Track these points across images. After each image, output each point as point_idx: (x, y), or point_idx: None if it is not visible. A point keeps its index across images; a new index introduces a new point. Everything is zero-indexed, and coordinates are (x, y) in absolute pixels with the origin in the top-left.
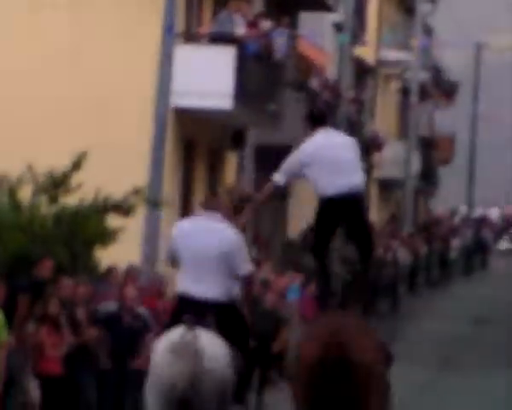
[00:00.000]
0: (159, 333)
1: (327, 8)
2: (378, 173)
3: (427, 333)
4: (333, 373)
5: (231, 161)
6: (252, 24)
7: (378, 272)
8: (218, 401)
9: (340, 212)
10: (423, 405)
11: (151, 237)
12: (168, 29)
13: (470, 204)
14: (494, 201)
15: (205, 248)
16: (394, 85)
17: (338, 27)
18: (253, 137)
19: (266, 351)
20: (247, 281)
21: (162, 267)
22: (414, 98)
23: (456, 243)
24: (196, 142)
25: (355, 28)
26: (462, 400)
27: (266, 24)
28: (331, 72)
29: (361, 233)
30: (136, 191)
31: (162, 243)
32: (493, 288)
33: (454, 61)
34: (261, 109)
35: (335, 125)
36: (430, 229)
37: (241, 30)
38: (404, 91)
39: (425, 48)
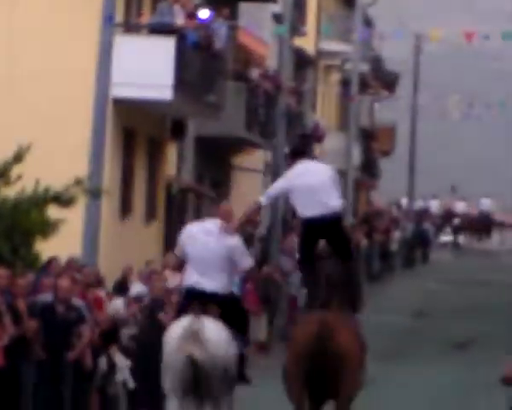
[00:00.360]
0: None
1: None
2: None
3: (369, 326)
4: (317, 357)
5: (171, 152)
6: (191, 15)
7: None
8: (222, 378)
9: (318, 230)
10: (366, 398)
11: (92, 228)
12: (107, 19)
13: (411, 196)
14: (436, 193)
15: (209, 248)
16: (334, 77)
17: (277, 18)
18: (193, 127)
19: None
20: (250, 272)
21: (102, 258)
22: (354, 89)
23: (396, 235)
24: (136, 132)
25: (295, 19)
26: (405, 391)
27: (205, 12)
28: (271, 63)
29: (338, 245)
30: (77, 182)
31: (103, 234)
32: (434, 281)
33: (394, 53)
34: (201, 100)
35: (275, 117)
36: (371, 221)
37: (180, 21)
38: (345, 83)
39: (365, 39)
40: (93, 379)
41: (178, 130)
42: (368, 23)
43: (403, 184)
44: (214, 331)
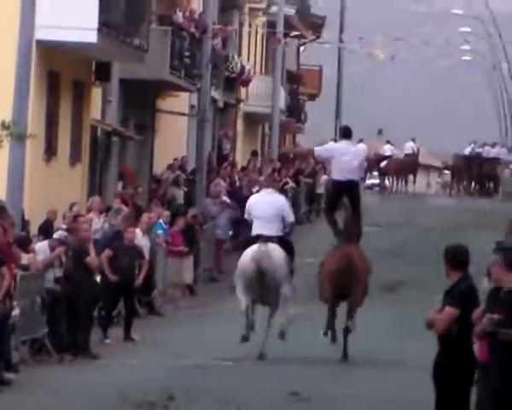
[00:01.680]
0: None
1: None
2: (245, 108)
3: (297, 269)
4: (343, 273)
5: (96, 95)
6: None
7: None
8: (280, 278)
9: (341, 189)
10: (294, 338)
11: (16, 172)
12: None
13: (338, 140)
14: (362, 136)
15: (267, 208)
16: (260, 20)
17: None
18: (118, 70)
19: (130, 285)
20: (293, 223)
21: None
22: (280, 33)
23: (323, 178)
24: (61, 75)
25: None
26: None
27: None
28: (196, 5)
29: (354, 201)
30: (3, 126)
31: (28, 177)
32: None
33: None
34: (126, 43)
35: (200, 60)
36: (298, 164)
37: None
38: (270, 26)
39: None
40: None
41: (103, 73)
42: None
43: (329, 128)
44: (274, 249)
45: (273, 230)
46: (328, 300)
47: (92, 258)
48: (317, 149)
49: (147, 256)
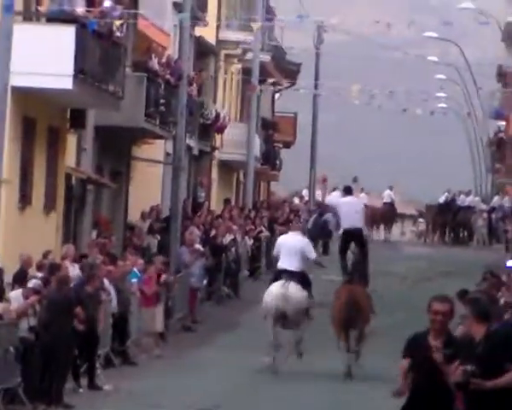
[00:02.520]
0: None
1: None
2: (219, 155)
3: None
4: (350, 311)
5: (71, 141)
6: (91, 2)
7: (218, 258)
8: (298, 313)
9: (351, 235)
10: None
11: None
12: (7, 8)
13: (312, 187)
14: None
15: (292, 247)
16: (235, 66)
17: (178, 7)
18: (93, 117)
19: (93, 333)
20: (315, 259)
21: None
22: (255, 80)
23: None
24: (36, 121)
25: (195, 8)
26: (306, 384)
27: (106, 3)
28: (172, 52)
29: (361, 245)
30: None
31: (2, 225)
32: (334, 273)
33: (296, 42)
34: (101, 89)
35: (175, 107)
36: (272, 212)
37: (80, 8)
38: (246, 73)
39: (266, 29)
40: None
41: (78, 120)
42: (269, 13)
43: (304, 175)
44: (294, 287)
45: (294, 266)
46: (338, 331)
47: (79, 308)
48: (328, 200)
49: (114, 303)
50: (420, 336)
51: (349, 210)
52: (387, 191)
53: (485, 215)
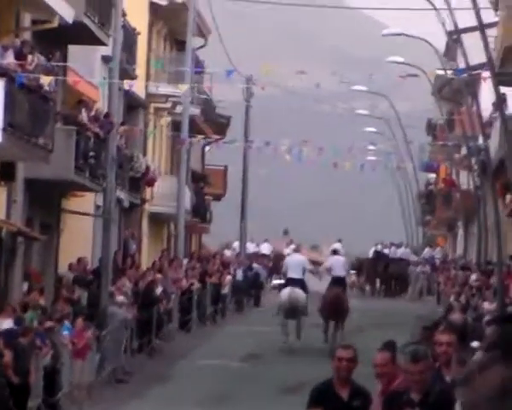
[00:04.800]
0: None
1: (97, 42)
2: (150, 208)
3: (200, 371)
4: (334, 305)
5: (0, 195)
6: (20, 55)
7: (149, 310)
8: (302, 309)
9: (338, 280)
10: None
11: None
12: None
13: (242, 240)
14: (268, 237)
15: (297, 263)
16: (165, 120)
17: (107, 60)
18: (23, 170)
19: (26, 383)
20: (309, 269)
21: None
22: (185, 133)
23: (228, 278)
24: None
25: (124, 61)
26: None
27: (36, 57)
28: (101, 105)
29: (343, 286)
30: None
31: None
32: (266, 324)
33: (225, 96)
34: (31, 143)
35: (106, 159)
36: (203, 265)
37: (9, 61)
38: (176, 126)
39: (196, 82)
40: None
41: (8, 173)
42: (199, 65)
43: (235, 228)
44: (299, 292)
45: (299, 275)
46: (325, 320)
47: (7, 359)
48: (326, 266)
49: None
50: (325, 385)
51: (338, 264)
52: (337, 244)
53: (423, 267)
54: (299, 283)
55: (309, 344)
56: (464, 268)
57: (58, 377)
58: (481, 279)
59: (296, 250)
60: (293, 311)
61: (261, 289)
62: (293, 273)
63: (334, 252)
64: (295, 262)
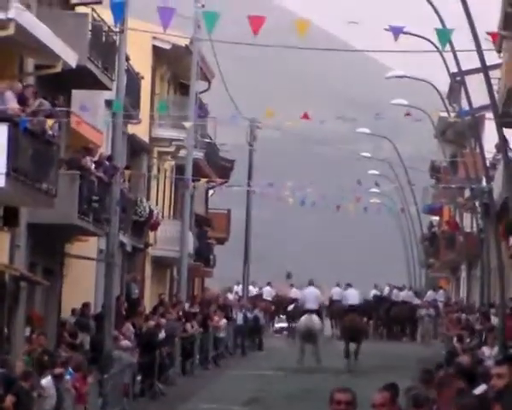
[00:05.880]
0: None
1: (100, 87)
2: (153, 252)
3: None
4: (352, 327)
5: (4, 240)
6: (23, 100)
7: (152, 354)
8: (317, 334)
9: (353, 308)
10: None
11: None
12: None
13: (245, 282)
14: (271, 280)
15: (312, 295)
16: (169, 164)
17: (110, 105)
18: (26, 215)
19: None
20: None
21: None
22: (188, 177)
23: (223, 322)
24: None
25: (128, 106)
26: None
27: (39, 102)
28: (105, 150)
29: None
30: None
31: None
32: (269, 368)
33: (229, 139)
34: (34, 188)
35: (109, 203)
36: (203, 309)
37: (13, 106)
38: (179, 170)
39: (199, 126)
40: None
41: (11, 217)
42: (202, 110)
43: (237, 271)
44: (316, 319)
45: (315, 306)
46: (345, 342)
47: (8, 403)
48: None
49: (52, 402)
50: None
51: (311, 299)
52: (337, 288)
53: (427, 310)
54: (316, 313)
55: (311, 389)
56: (464, 311)
57: None
58: (482, 322)
59: (310, 284)
60: (309, 335)
61: (261, 332)
62: (311, 304)
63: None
64: (312, 295)
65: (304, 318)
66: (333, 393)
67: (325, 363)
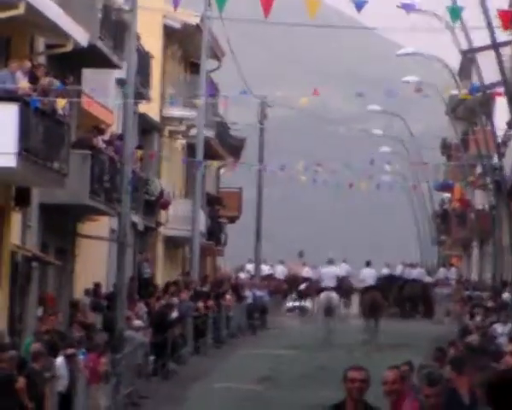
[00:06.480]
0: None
1: (111, 66)
2: (165, 231)
3: (215, 393)
4: (372, 304)
5: (16, 220)
6: (34, 80)
7: (164, 333)
8: (336, 309)
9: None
10: None
11: None
12: None
13: (257, 261)
14: (283, 258)
15: (331, 275)
16: (180, 143)
17: (122, 84)
18: (38, 195)
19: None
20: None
21: None
22: (199, 155)
23: (228, 299)
24: None
25: (139, 85)
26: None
27: (48, 79)
28: (116, 129)
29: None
30: None
31: None
32: (281, 346)
33: (240, 118)
34: (45, 167)
35: (121, 183)
36: (217, 287)
37: (24, 85)
38: (190, 149)
39: (210, 104)
40: None
41: (23, 198)
42: (213, 88)
43: (249, 250)
44: (335, 295)
45: (332, 283)
46: (365, 318)
47: (21, 385)
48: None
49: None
50: (337, 407)
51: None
52: (342, 264)
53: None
54: (334, 289)
55: (324, 367)
56: (476, 288)
57: (71, 404)
58: (494, 299)
59: (330, 262)
60: (329, 310)
61: (266, 312)
62: (328, 282)
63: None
64: (330, 273)
65: (323, 294)
66: (347, 371)
67: (338, 341)
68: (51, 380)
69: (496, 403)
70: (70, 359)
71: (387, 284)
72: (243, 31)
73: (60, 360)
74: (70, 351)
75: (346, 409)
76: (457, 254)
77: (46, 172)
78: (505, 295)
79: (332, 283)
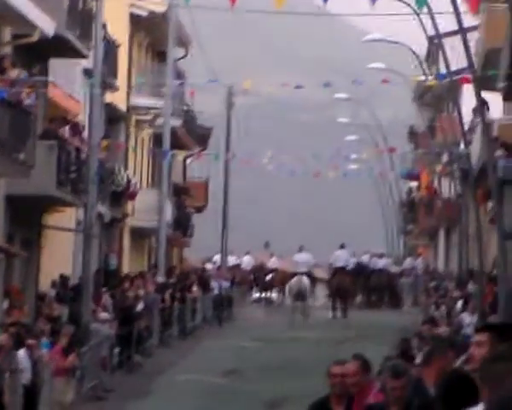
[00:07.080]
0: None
1: (77, 55)
2: (131, 222)
3: (180, 386)
4: (340, 287)
5: None
6: (1, 70)
7: (130, 325)
8: (308, 293)
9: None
10: None
11: None
12: None
13: (224, 252)
14: (249, 249)
15: (302, 259)
16: (146, 132)
17: (88, 73)
18: (3, 186)
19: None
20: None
21: None
22: (166, 145)
23: (209, 293)
24: None
25: (105, 74)
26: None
27: (15, 72)
28: (82, 119)
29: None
30: None
31: None
32: (245, 338)
33: (207, 107)
34: (11, 158)
35: (87, 174)
36: (184, 280)
37: None
38: (157, 138)
39: (177, 93)
40: None
41: None
42: (180, 77)
43: (216, 241)
44: (305, 279)
45: (304, 268)
46: (332, 300)
47: None
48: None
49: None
50: (321, 403)
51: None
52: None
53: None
54: (305, 275)
55: (289, 359)
56: (442, 278)
57: (37, 396)
58: (460, 289)
59: (301, 249)
60: (299, 294)
61: (231, 304)
62: (301, 268)
63: (342, 247)
64: (302, 259)
65: (294, 279)
66: (330, 366)
67: (303, 334)
68: (14, 374)
69: (444, 400)
70: (32, 351)
71: (355, 273)
72: (213, 19)
73: (22, 352)
74: (31, 342)
75: (330, 404)
76: (424, 244)
77: (12, 162)
78: (470, 286)
79: (303, 268)
